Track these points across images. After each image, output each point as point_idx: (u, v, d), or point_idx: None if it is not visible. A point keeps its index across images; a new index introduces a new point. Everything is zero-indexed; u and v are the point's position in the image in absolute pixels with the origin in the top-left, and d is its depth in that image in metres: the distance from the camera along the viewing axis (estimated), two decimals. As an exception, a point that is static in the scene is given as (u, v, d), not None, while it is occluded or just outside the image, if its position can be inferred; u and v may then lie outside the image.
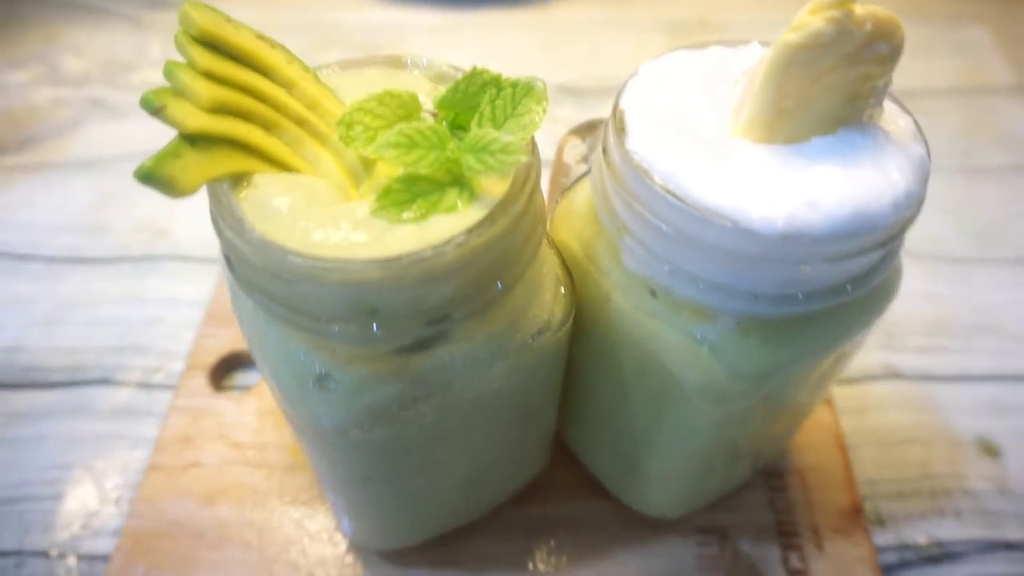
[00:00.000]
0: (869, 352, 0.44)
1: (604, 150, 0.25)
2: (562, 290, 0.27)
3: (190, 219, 0.52)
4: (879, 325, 0.27)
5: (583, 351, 0.30)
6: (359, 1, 0.73)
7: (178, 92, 0.22)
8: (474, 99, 0.24)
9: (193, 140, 0.22)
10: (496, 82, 0.24)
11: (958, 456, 0.40)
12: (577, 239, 0.28)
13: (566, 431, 0.37)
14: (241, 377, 0.44)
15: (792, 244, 0.21)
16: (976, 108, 0.62)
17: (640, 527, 0.36)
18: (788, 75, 0.21)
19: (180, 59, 0.22)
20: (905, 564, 0.36)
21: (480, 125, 0.23)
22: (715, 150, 0.23)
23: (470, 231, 0.21)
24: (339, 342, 0.23)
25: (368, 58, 0.28)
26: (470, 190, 0.23)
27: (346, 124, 0.23)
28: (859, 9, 0.20)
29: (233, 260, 0.23)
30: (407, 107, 0.24)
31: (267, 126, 0.24)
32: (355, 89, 0.26)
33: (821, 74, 0.21)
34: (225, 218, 0.22)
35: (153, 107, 0.21)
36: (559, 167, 0.35)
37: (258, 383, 0.43)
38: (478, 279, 0.22)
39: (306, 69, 0.25)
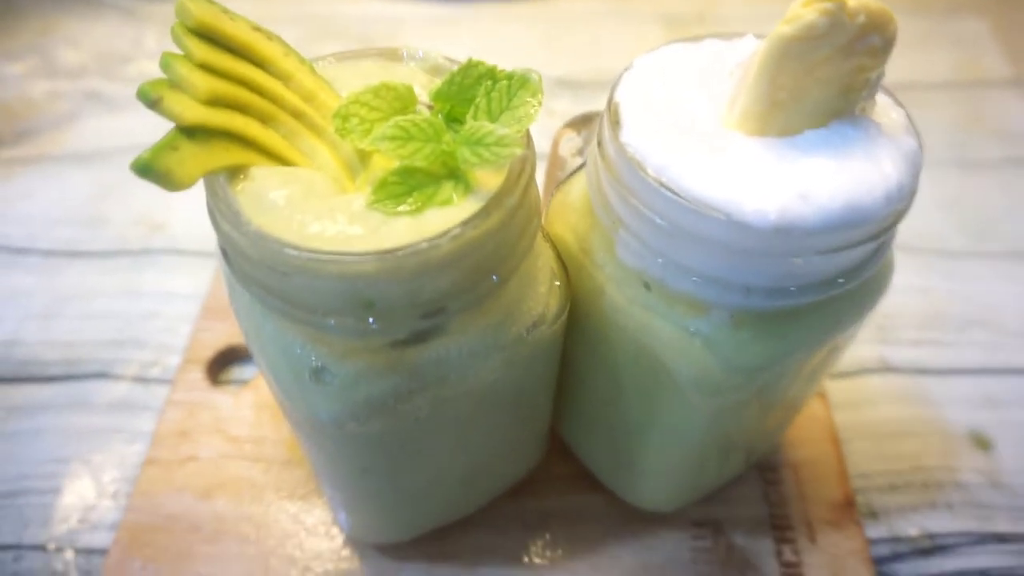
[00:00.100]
0: (863, 346, 0.45)
1: (599, 143, 0.25)
2: (557, 283, 0.27)
3: (187, 213, 0.52)
4: (873, 319, 0.28)
5: (578, 344, 0.30)
6: (356, -6, 0.73)
7: (175, 84, 0.22)
8: (470, 92, 0.24)
9: (190, 132, 0.22)
10: (492, 74, 0.24)
11: (950, 449, 0.40)
12: (572, 232, 0.28)
13: (561, 425, 0.37)
14: (238, 371, 0.44)
15: (785, 237, 0.21)
16: (973, 101, 0.62)
17: (635, 520, 0.36)
18: (782, 67, 0.21)
19: (176, 51, 0.23)
20: (897, 556, 0.36)
21: (476, 118, 0.23)
22: (709, 143, 0.23)
23: (465, 224, 0.21)
24: (335, 335, 0.23)
25: (364, 50, 0.28)
26: (465, 183, 0.23)
27: (342, 117, 0.23)
28: (852, 1, 0.20)
29: (230, 253, 0.23)
30: (403, 100, 0.24)
31: (263, 119, 0.24)
32: (351, 81, 0.26)
33: (815, 66, 0.21)
34: (222, 211, 0.22)
35: (150, 99, 0.21)
36: (555, 160, 0.35)
37: (255, 377, 0.43)
38: (473, 272, 0.22)
39: (302, 61, 0.25)
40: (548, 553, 0.36)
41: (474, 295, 0.23)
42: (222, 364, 0.44)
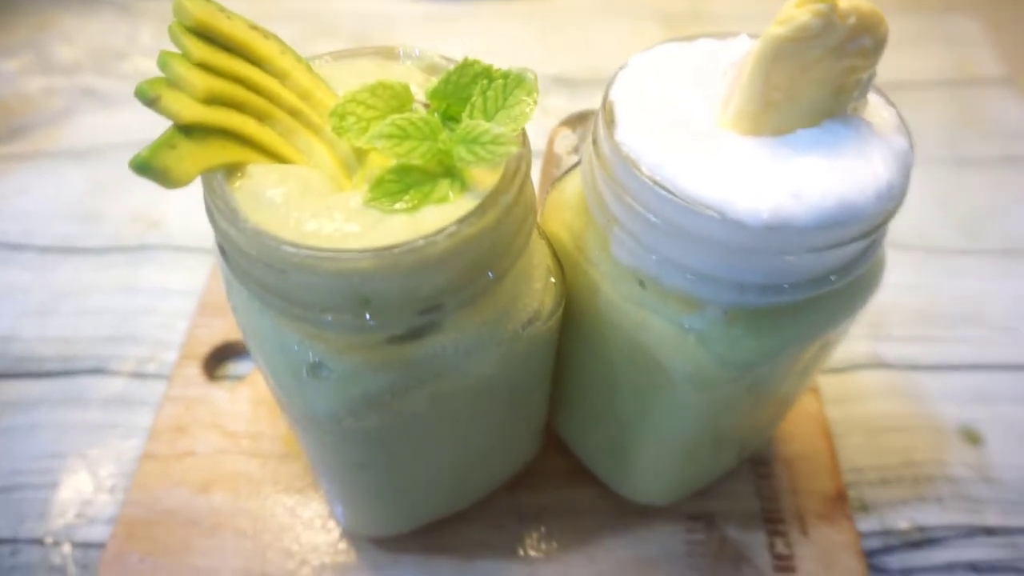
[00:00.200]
0: (855, 342, 0.45)
1: (594, 141, 0.26)
2: (552, 280, 0.27)
3: (183, 209, 0.52)
4: (865, 315, 0.28)
5: (573, 340, 0.30)
6: (351, -10, 0.73)
7: (172, 83, 0.22)
8: (466, 90, 0.24)
9: (188, 131, 0.22)
10: (487, 73, 0.24)
11: (941, 444, 0.41)
12: (567, 230, 0.29)
13: (556, 419, 0.38)
14: (234, 367, 0.44)
15: (777, 235, 0.21)
16: (965, 99, 0.63)
17: (629, 514, 0.37)
18: (775, 67, 0.22)
19: (172, 48, 0.23)
20: (888, 549, 0.37)
21: (471, 116, 0.24)
22: (703, 142, 0.23)
23: (461, 221, 0.21)
24: (333, 331, 0.23)
25: (360, 49, 0.28)
26: (461, 181, 0.23)
27: (339, 115, 0.23)
28: (843, 3, 0.20)
29: (228, 250, 0.23)
30: (399, 98, 0.24)
31: (260, 116, 0.24)
32: (347, 80, 0.26)
33: (807, 67, 0.22)
34: (220, 208, 0.22)
35: (148, 98, 0.21)
36: (550, 158, 0.35)
37: (251, 373, 0.43)
38: (469, 269, 0.22)
39: (299, 60, 0.26)
40: (543, 546, 0.36)
41: (470, 292, 0.23)
42: (218, 360, 0.44)
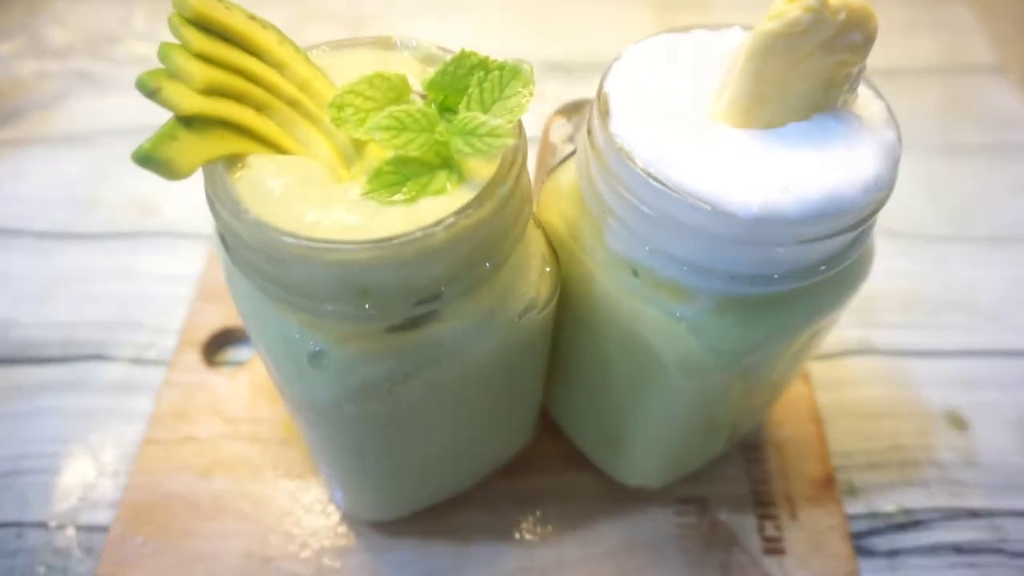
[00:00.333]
0: (845, 328, 0.46)
1: (589, 132, 0.26)
2: (548, 269, 0.28)
3: (179, 195, 0.52)
4: (855, 302, 0.28)
5: (568, 328, 0.31)
6: (346, -25, 0.72)
7: (172, 74, 0.22)
8: (463, 81, 0.24)
9: (188, 122, 0.22)
10: (484, 65, 0.24)
11: (928, 428, 0.42)
12: (562, 219, 0.29)
13: (552, 405, 0.38)
14: (233, 353, 0.44)
15: (767, 226, 0.22)
16: (956, 87, 0.63)
17: (622, 497, 0.38)
18: (766, 62, 0.22)
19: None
20: (874, 531, 0.38)
21: (468, 108, 0.24)
22: (696, 134, 0.24)
23: (459, 213, 0.22)
24: (333, 321, 0.23)
25: (358, 39, 0.28)
26: (459, 172, 0.23)
27: (337, 106, 0.24)
28: None
29: (229, 240, 0.24)
30: (397, 89, 0.25)
31: (259, 107, 0.24)
32: (345, 70, 0.26)
33: (798, 61, 0.22)
34: (221, 199, 0.22)
35: (148, 89, 0.22)
36: (546, 146, 0.35)
37: (250, 359, 0.43)
38: (467, 259, 0.23)
39: (297, 50, 0.26)
40: (539, 529, 0.37)
41: (468, 282, 0.23)
42: (217, 346, 0.44)
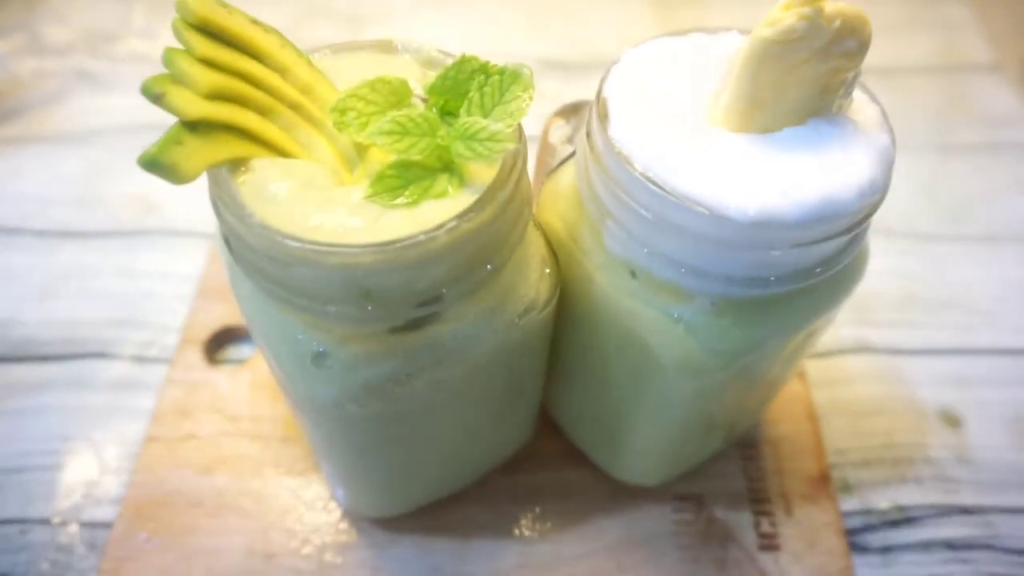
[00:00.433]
0: (841, 327, 0.46)
1: (588, 135, 0.26)
2: (547, 271, 0.28)
3: (179, 194, 0.51)
4: (851, 301, 0.29)
5: (567, 328, 0.31)
6: (345, -28, 0.72)
7: (176, 79, 0.23)
8: (463, 86, 0.25)
9: (193, 126, 0.22)
10: (484, 69, 0.25)
11: (922, 426, 0.42)
12: (562, 221, 0.29)
13: (551, 404, 0.39)
14: (234, 351, 0.45)
15: (763, 230, 0.22)
16: (954, 85, 0.63)
17: (621, 494, 0.38)
18: (762, 68, 0.22)
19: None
20: (868, 527, 0.38)
21: (469, 112, 0.24)
22: (694, 139, 0.24)
23: (461, 216, 0.22)
24: (336, 322, 0.24)
25: (359, 43, 0.28)
26: (460, 176, 0.24)
27: (340, 110, 0.24)
28: (828, 6, 0.21)
29: (232, 242, 0.24)
30: (398, 93, 0.25)
31: (262, 111, 0.25)
32: (347, 73, 0.27)
33: (794, 67, 0.22)
34: (226, 202, 0.23)
35: (153, 94, 0.22)
36: (545, 147, 0.36)
37: (251, 357, 0.44)
38: (468, 261, 0.23)
39: (299, 54, 0.26)
40: (538, 526, 0.37)
41: (469, 284, 0.24)
42: (219, 344, 0.45)
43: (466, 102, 0.24)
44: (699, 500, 0.38)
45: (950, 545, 0.38)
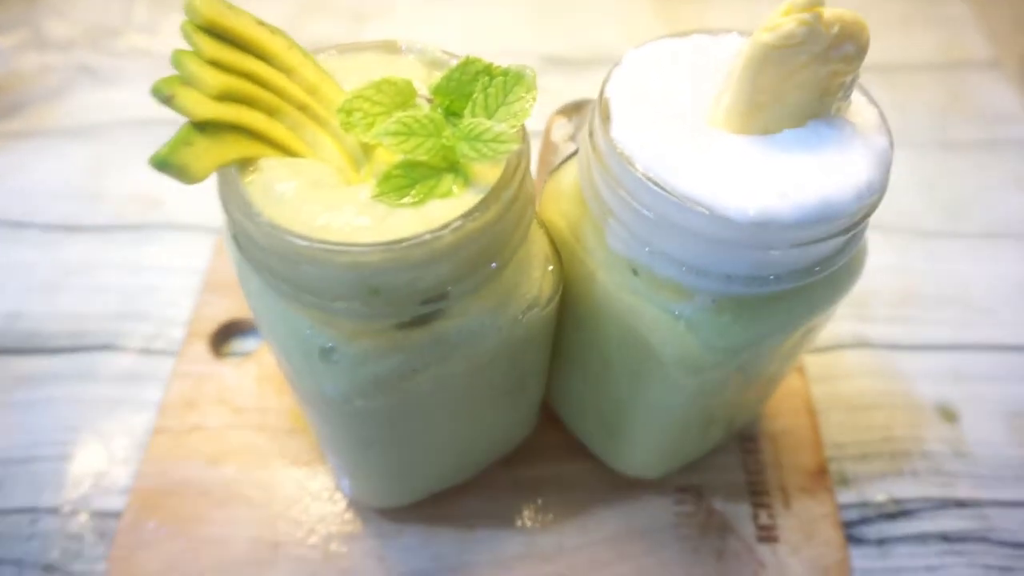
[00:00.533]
0: (840, 322, 0.47)
1: (590, 134, 0.27)
2: (550, 268, 0.28)
3: (183, 189, 0.52)
4: (850, 297, 0.29)
5: (569, 324, 0.32)
6: (347, -34, 0.72)
7: (186, 80, 0.23)
8: (468, 87, 0.25)
9: (202, 127, 0.23)
10: (488, 71, 0.25)
11: (919, 421, 0.43)
12: (564, 219, 0.30)
13: (553, 398, 0.39)
14: (239, 344, 0.45)
15: (762, 230, 0.23)
16: (953, 83, 0.63)
17: (621, 486, 0.39)
18: (763, 72, 0.23)
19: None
20: (865, 520, 0.39)
21: (474, 113, 0.25)
22: (694, 140, 0.24)
23: (466, 216, 0.23)
24: (343, 318, 0.24)
25: (364, 43, 0.29)
26: (465, 175, 0.24)
27: (346, 111, 0.24)
28: (827, 12, 0.21)
29: (241, 240, 0.24)
30: (403, 94, 0.25)
31: (270, 111, 0.25)
32: (352, 73, 0.27)
33: (793, 71, 0.23)
34: (235, 201, 0.23)
35: (163, 96, 0.22)
36: (547, 145, 0.36)
37: (257, 350, 0.44)
38: (473, 260, 0.24)
39: (305, 55, 0.26)
40: (539, 517, 0.38)
41: (473, 281, 0.24)
42: (224, 337, 0.45)
43: (470, 103, 0.25)
44: (699, 492, 0.39)
45: (945, 537, 0.38)
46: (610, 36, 0.66)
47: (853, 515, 0.39)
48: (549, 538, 0.37)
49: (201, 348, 0.44)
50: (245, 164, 0.24)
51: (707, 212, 0.23)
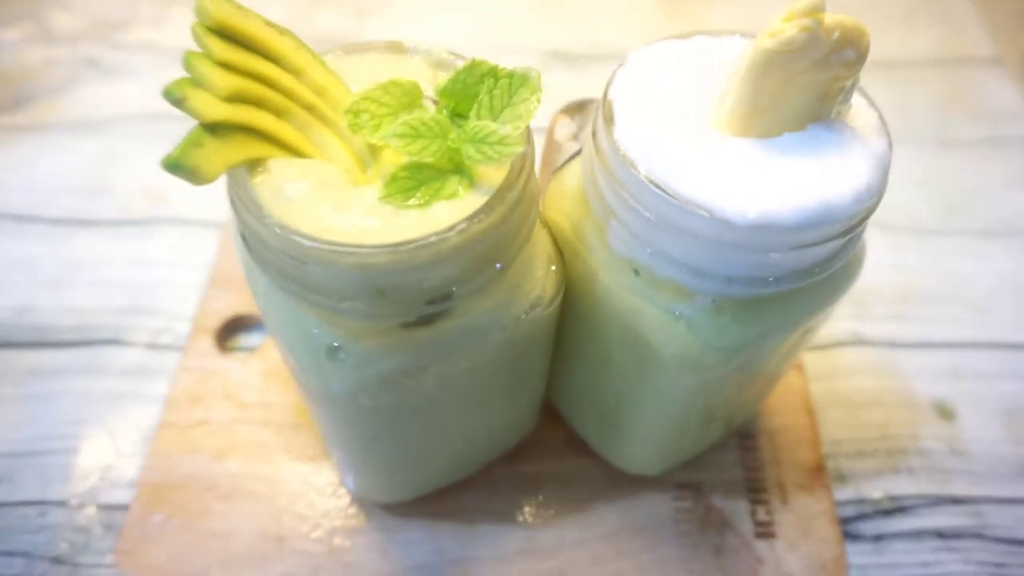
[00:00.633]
0: (838, 320, 0.47)
1: (594, 134, 0.27)
2: (553, 267, 0.29)
3: (187, 184, 0.53)
4: (849, 295, 0.30)
5: (571, 323, 0.32)
6: (351, -39, 0.72)
7: (197, 82, 0.23)
8: (473, 89, 0.25)
9: (212, 129, 0.23)
10: (494, 73, 0.25)
11: (916, 418, 0.43)
12: (567, 219, 0.30)
13: (554, 395, 0.40)
14: (244, 339, 0.46)
15: (762, 233, 0.23)
16: (955, 80, 0.63)
17: (621, 483, 0.39)
18: (764, 76, 0.23)
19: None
20: (861, 516, 0.39)
21: (479, 115, 0.25)
22: (696, 143, 0.25)
23: (471, 218, 0.23)
24: (349, 317, 0.25)
25: (370, 43, 0.29)
26: (470, 177, 0.24)
27: (354, 112, 0.25)
28: (828, 19, 0.22)
29: (250, 240, 0.25)
30: (410, 95, 0.26)
31: (278, 112, 0.25)
32: (358, 74, 0.27)
33: (794, 76, 0.23)
34: (244, 202, 0.23)
35: (175, 98, 0.23)
36: (551, 143, 0.36)
37: (262, 345, 0.45)
38: (478, 261, 0.24)
39: (313, 55, 0.27)
40: (540, 513, 0.38)
41: (478, 282, 0.25)
42: (229, 332, 0.46)
43: (476, 105, 0.25)
44: (698, 488, 0.39)
45: (940, 534, 0.39)
46: (614, 31, 0.66)
47: (850, 511, 0.40)
48: (550, 533, 0.38)
49: (207, 343, 0.44)
50: (254, 165, 0.24)
51: (708, 215, 0.23)
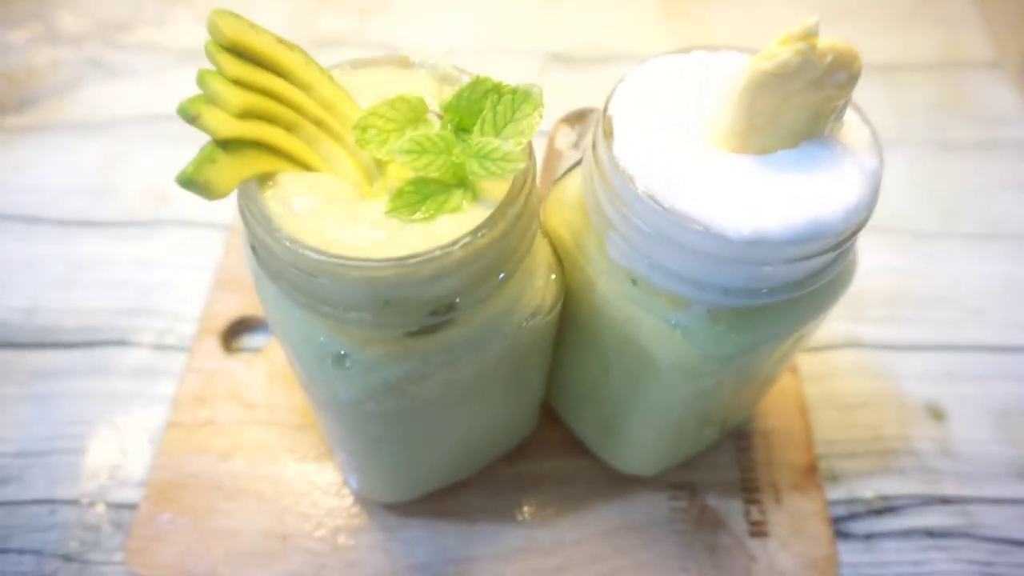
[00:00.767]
0: (833, 323, 0.48)
1: (594, 147, 0.28)
2: (553, 276, 0.30)
3: None
4: (843, 298, 0.30)
5: (570, 331, 0.33)
6: (353, -38, 0.73)
7: (210, 99, 0.24)
8: (477, 104, 0.26)
9: (225, 144, 0.24)
10: (497, 89, 0.26)
11: (908, 419, 0.44)
12: (567, 229, 0.31)
13: (553, 399, 0.41)
14: (249, 340, 0.46)
15: (756, 248, 0.24)
16: (953, 82, 0.64)
17: (618, 483, 0.40)
18: (759, 96, 0.24)
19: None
20: (853, 516, 0.40)
21: (483, 131, 0.26)
22: (693, 159, 0.25)
23: (475, 232, 0.24)
24: (356, 327, 0.25)
25: (377, 58, 0.30)
26: (473, 191, 0.25)
27: (361, 128, 0.26)
28: (822, 43, 0.22)
29: (259, 251, 0.25)
30: (416, 110, 0.26)
31: (288, 127, 0.26)
32: (365, 88, 0.28)
33: (789, 96, 0.24)
34: (255, 215, 0.24)
35: (189, 116, 0.23)
36: (551, 152, 0.37)
37: (266, 346, 0.45)
38: (481, 273, 0.25)
39: (322, 71, 0.27)
40: (539, 512, 0.39)
41: (481, 292, 0.25)
42: (235, 333, 0.46)
43: (479, 120, 0.26)
44: (693, 488, 0.40)
45: (930, 533, 0.40)
46: (615, 34, 0.67)
47: (842, 511, 0.41)
48: (548, 532, 0.39)
49: (212, 344, 0.45)
50: (264, 179, 0.25)
51: (703, 229, 0.24)
